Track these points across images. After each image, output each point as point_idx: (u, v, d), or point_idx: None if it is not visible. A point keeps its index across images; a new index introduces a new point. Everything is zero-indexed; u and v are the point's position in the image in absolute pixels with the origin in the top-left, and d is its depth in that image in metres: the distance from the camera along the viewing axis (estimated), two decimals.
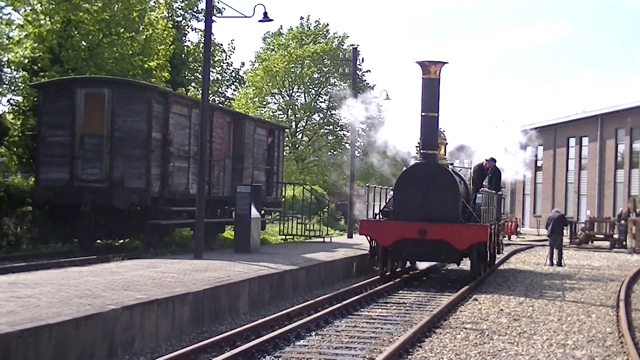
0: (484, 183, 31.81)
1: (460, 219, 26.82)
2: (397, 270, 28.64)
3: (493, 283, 27.98)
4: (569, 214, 72.59)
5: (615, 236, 51.50)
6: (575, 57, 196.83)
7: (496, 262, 33.64)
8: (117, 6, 42.79)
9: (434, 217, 26.39)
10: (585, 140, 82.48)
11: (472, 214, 27.58)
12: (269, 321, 17.82)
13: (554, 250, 35.96)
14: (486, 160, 32.42)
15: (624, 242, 49.26)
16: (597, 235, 53.30)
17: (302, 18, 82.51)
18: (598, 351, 16.18)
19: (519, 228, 67.59)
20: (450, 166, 30.12)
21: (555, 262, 35.46)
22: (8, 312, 13.53)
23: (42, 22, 42.06)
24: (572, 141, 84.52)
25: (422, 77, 27.71)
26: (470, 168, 33.94)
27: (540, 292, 25.41)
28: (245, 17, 30.98)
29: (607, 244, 51.16)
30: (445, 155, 30.18)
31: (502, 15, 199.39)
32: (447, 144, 30.67)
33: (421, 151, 28.09)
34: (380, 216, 28.79)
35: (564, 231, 40.47)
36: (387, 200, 29.68)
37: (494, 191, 31.74)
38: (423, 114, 27.71)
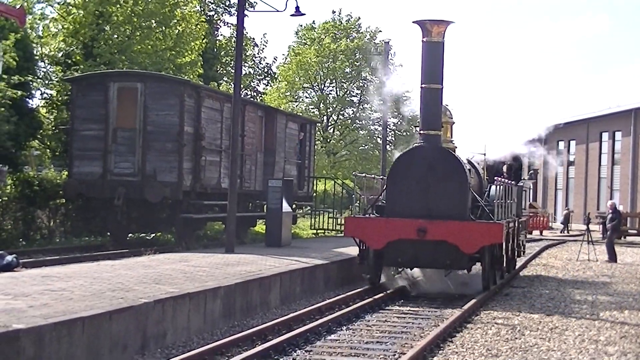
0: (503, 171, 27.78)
1: (469, 216, 22.19)
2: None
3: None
4: (601, 210, 72.20)
5: None
6: (614, 51, 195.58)
7: (517, 267, 29.42)
8: (150, 1, 43.00)
9: (436, 213, 21.73)
10: (618, 135, 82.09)
11: (484, 210, 22.74)
12: (300, 315, 17.81)
13: (610, 243, 35.74)
14: None
15: None
16: (630, 231, 53.04)
17: (334, 12, 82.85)
18: (631, 347, 16.06)
19: (550, 223, 67.49)
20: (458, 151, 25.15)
21: (611, 257, 35.19)
22: (42, 304, 13.56)
23: (75, 15, 42.29)
24: (605, 136, 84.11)
25: (422, 41, 22.82)
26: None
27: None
28: (278, 11, 31.12)
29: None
30: (451, 137, 25.23)
31: (540, 7, 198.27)
32: (454, 123, 25.55)
33: (421, 132, 22.92)
34: (372, 212, 24.16)
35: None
36: (380, 192, 24.60)
37: (513, 182, 26.98)
38: (423, 85, 22.79)
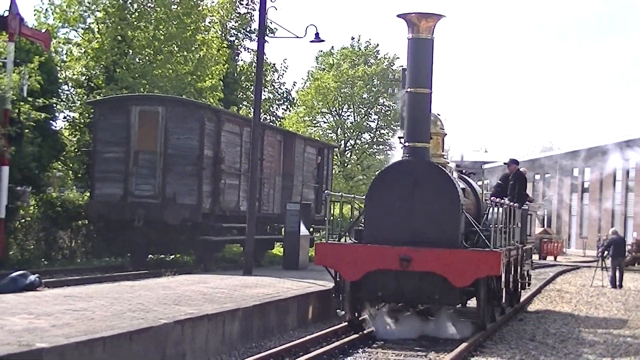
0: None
1: (461, 242, 18.56)
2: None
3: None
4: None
5: None
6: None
7: (522, 300, 26.27)
8: (171, 25, 43.23)
9: (422, 240, 18.18)
10: (631, 163, 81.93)
11: (481, 236, 18.90)
12: (317, 337, 17.71)
13: (616, 271, 35.59)
14: (505, 163, 25.75)
15: None
16: None
17: (352, 38, 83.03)
18: None
19: (564, 249, 67.44)
20: (453, 166, 22.53)
21: (616, 283, 35.08)
22: (64, 324, 13.61)
23: (98, 40, 42.57)
24: (620, 164, 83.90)
25: (408, 38, 19.15)
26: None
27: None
28: (298, 37, 31.18)
29: None
30: (443, 150, 21.57)
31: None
32: (445, 134, 21.82)
33: (406, 144, 19.27)
34: (349, 237, 20.68)
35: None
36: (359, 214, 21.12)
37: (516, 204, 23.12)
38: (409, 89, 19.13)
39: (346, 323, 18.88)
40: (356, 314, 18.99)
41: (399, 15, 19.17)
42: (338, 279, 19.10)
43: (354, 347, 17.06)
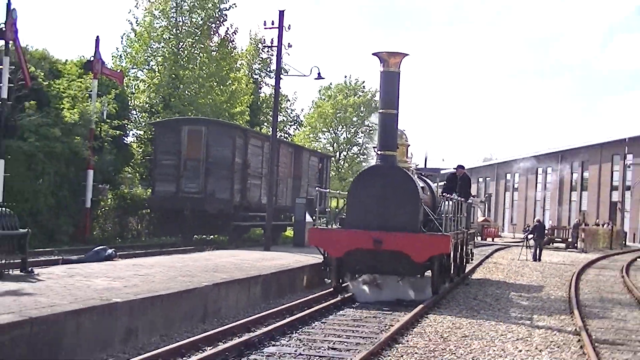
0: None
1: (420, 228, 18.20)
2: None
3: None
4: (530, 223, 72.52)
5: (570, 240, 51.22)
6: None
7: (467, 271, 25.38)
8: (211, 66, 43.39)
9: (391, 226, 17.86)
10: (549, 170, 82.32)
11: (435, 223, 18.64)
12: (318, 297, 17.66)
13: (537, 249, 35.71)
14: (454, 168, 25.04)
15: (576, 244, 49.20)
16: (556, 239, 52.88)
17: (345, 77, 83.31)
18: (559, 306, 16.09)
19: (499, 232, 67.58)
20: (416, 170, 22.02)
21: (537, 257, 35.15)
22: (133, 285, 13.74)
23: (158, 77, 42.75)
24: (540, 170, 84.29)
25: (380, 71, 18.80)
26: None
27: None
28: (304, 75, 31.38)
29: (563, 245, 50.87)
30: (407, 157, 21.46)
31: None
32: (409, 145, 21.76)
33: (378, 152, 19.01)
34: (334, 224, 20.47)
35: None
36: (342, 206, 20.98)
37: (462, 199, 22.97)
38: (381, 110, 18.96)
39: (332, 289, 18.36)
40: (340, 282, 18.48)
41: (373, 54, 18.82)
42: (326, 255, 18.89)
43: (338, 307, 16.67)
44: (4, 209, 14.50)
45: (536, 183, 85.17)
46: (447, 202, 19.91)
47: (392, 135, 18.86)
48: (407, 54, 18.73)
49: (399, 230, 17.73)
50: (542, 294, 21.17)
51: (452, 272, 20.48)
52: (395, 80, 18.78)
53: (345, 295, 17.92)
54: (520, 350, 12.42)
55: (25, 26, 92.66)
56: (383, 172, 18.44)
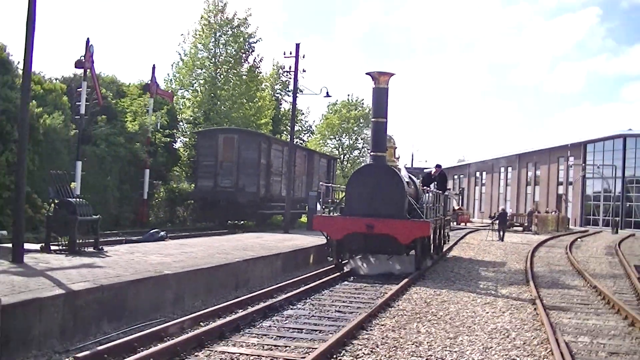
0: (431, 186, 22.84)
1: (405, 215, 17.66)
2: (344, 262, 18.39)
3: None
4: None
5: (526, 224, 51.07)
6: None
7: (444, 250, 24.77)
8: (242, 87, 43.44)
9: (381, 214, 17.44)
10: (509, 169, 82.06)
11: (418, 211, 18.16)
12: (327, 270, 17.54)
13: (501, 232, 35.66)
14: (434, 166, 24.26)
15: (531, 228, 49.12)
16: (515, 224, 52.71)
17: (348, 95, 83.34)
18: (517, 277, 16.07)
19: (470, 218, 67.34)
20: (403, 169, 21.05)
21: (501, 238, 35.05)
22: (179, 260, 13.75)
23: (199, 96, 42.82)
24: (502, 169, 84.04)
25: (372, 87, 18.31)
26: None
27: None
28: (316, 94, 31.52)
29: (521, 229, 50.71)
30: (395, 157, 20.76)
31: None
32: (396, 147, 21.03)
33: (371, 153, 18.56)
34: (334, 212, 19.56)
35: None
36: (341, 197, 20.16)
37: (440, 191, 22.73)
38: (373, 119, 18.57)
39: (333, 266, 17.88)
40: (340, 260, 18.04)
41: (366, 73, 18.33)
42: (328, 238, 18.29)
43: (338, 280, 16.31)
44: (81, 199, 14.61)
45: (499, 179, 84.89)
46: (427, 194, 19.61)
47: (382, 139, 18.38)
48: (394, 74, 18.39)
49: (387, 217, 17.33)
50: (505, 268, 21.10)
51: (432, 251, 20.15)
52: (384, 94, 18.28)
53: (344, 271, 17.58)
54: (487, 312, 12.41)
55: (99, 56, 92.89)
56: (375, 170, 18.02)
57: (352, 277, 16.96)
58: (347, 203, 18.17)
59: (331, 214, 19.23)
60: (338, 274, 17.19)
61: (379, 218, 17.24)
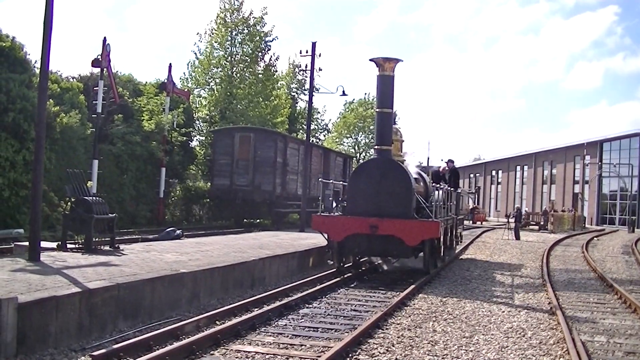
0: (441, 183, 20.34)
1: (412, 215, 16.14)
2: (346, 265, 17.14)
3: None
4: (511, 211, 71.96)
5: (542, 223, 50.72)
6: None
7: (457, 252, 23.16)
8: (258, 86, 43.43)
9: (385, 213, 15.90)
10: (525, 168, 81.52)
11: (426, 210, 16.74)
12: (333, 272, 16.73)
13: (517, 230, 35.46)
14: (446, 162, 23.06)
15: (546, 227, 48.76)
16: (531, 223, 52.35)
17: (365, 94, 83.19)
18: (534, 273, 15.91)
19: (486, 217, 67.03)
20: (412, 165, 19.76)
21: (517, 237, 34.84)
22: (196, 259, 13.71)
23: (216, 95, 42.86)
24: (518, 168, 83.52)
25: (377, 75, 16.57)
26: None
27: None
28: (332, 93, 31.58)
29: (537, 227, 50.37)
30: (401, 152, 19.05)
31: None
32: (403, 141, 19.28)
33: (375, 147, 16.88)
34: (335, 211, 18.44)
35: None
36: (343, 195, 18.60)
37: (452, 189, 21.07)
38: (377, 110, 16.68)
39: (335, 270, 16.46)
40: (342, 264, 16.71)
41: (370, 59, 16.60)
42: (329, 239, 16.68)
43: (357, 278, 15.91)
44: (98, 198, 14.64)
45: (515, 178, 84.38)
46: (438, 192, 18.15)
47: (387, 131, 16.71)
48: (400, 60, 16.62)
49: (393, 217, 15.86)
50: (521, 266, 20.94)
51: (442, 253, 18.37)
52: (390, 82, 16.57)
53: (345, 276, 16.06)
54: (503, 311, 12.30)
55: (116, 55, 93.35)
56: (379, 165, 16.42)
57: (351, 283, 15.47)
58: (350, 201, 16.68)
59: (332, 212, 17.99)
60: (359, 271, 16.62)
61: (384, 218, 15.84)
